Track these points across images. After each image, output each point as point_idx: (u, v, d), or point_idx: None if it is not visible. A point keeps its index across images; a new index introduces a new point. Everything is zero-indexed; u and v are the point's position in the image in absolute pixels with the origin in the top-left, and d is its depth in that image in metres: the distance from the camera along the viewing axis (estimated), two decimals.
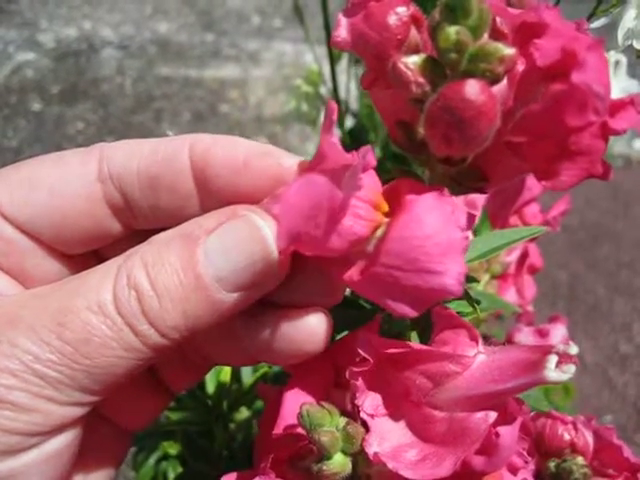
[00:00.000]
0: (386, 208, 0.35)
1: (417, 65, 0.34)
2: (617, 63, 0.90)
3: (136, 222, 0.43)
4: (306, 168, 0.37)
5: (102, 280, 0.36)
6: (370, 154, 0.32)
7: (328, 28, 1.05)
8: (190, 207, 0.41)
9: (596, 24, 0.74)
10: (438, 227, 0.33)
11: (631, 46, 0.73)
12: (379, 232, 0.35)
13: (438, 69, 0.33)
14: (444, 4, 0.32)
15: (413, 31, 0.36)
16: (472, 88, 0.30)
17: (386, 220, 0.36)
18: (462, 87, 0.30)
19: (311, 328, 0.39)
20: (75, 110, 2.84)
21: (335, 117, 0.34)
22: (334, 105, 0.34)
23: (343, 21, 0.38)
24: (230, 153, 0.39)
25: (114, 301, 0.35)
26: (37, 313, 0.35)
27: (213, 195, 0.40)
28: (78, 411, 0.36)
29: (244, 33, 3.45)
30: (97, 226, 0.42)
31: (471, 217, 0.35)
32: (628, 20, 0.70)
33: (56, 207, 0.40)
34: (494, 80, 0.32)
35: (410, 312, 0.35)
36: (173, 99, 2.94)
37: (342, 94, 1.22)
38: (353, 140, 1.15)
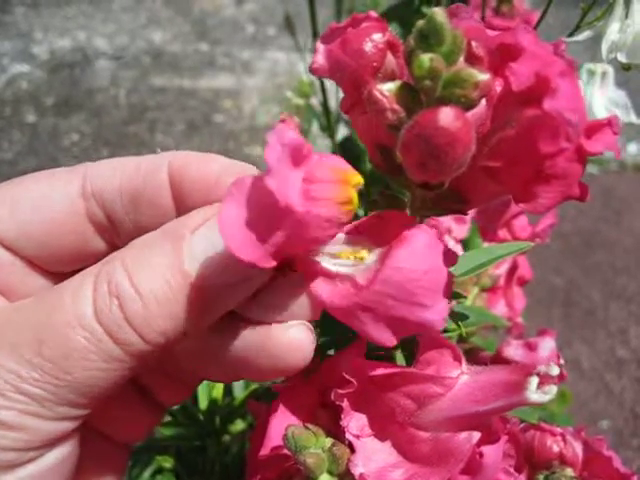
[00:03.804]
0: (359, 180, 0.34)
1: (392, 92, 0.34)
2: (604, 74, 0.90)
3: (119, 239, 0.43)
4: None
5: (80, 290, 0.35)
6: (295, 136, 0.31)
7: (317, 38, 1.06)
8: None
9: (581, 37, 0.75)
10: (434, 264, 0.34)
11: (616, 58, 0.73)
12: (368, 259, 0.35)
13: (413, 96, 0.34)
14: (418, 31, 0.32)
15: (389, 57, 0.36)
16: (446, 116, 0.30)
17: (378, 249, 0.36)
18: (436, 115, 0.30)
19: (292, 341, 0.38)
20: (69, 121, 2.84)
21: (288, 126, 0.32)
22: (285, 118, 0.33)
23: (320, 48, 0.38)
24: (204, 170, 0.40)
25: (94, 311, 0.34)
26: (18, 329, 0.35)
27: (190, 211, 0.39)
28: (68, 425, 0.36)
29: (238, 42, 3.45)
30: (81, 243, 0.42)
31: (454, 257, 0.36)
32: (612, 33, 0.71)
33: (40, 224, 0.41)
34: (469, 106, 0.33)
35: (389, 341, 0.35)
36: (167, 109, 2.94)
37: (333, 104, 1.23)
38: (345, 151, 1.15)
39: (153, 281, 0.35)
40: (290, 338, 0.38)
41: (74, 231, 0.42)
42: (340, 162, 0.34)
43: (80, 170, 0.42)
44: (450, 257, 0.34)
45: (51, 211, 0.41)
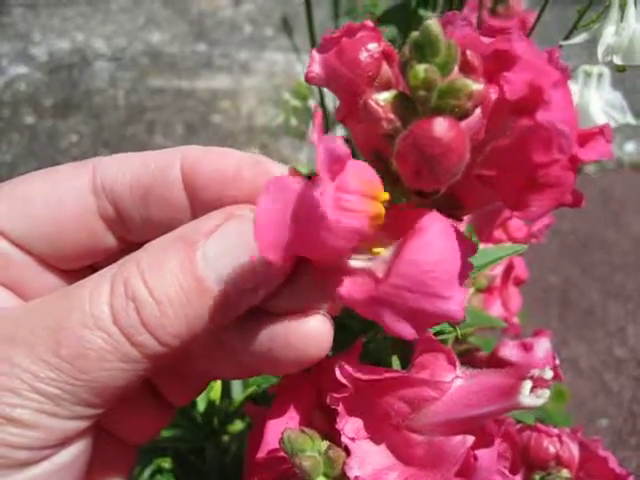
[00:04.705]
0: (386, 196, 0.35)
1: (388, 102, 0.34)
2: (600, 76, 0.90)
3: (130, 235, 0.43)
4: None
5: (96, 291, 0.36)
6: (338, 146, 0.31)
7: (314, 39, 1.06)
8: (182, 218, 0.41)
9: (577, 39, 0.75)
10: (448, 254, 0.34)
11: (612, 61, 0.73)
12: (385, 252, 0.36)
13: (409, 105, 0.34)
14: (413, 42, 0.32)
15: (385, 67, 0.37)
16: (440, 126, 0.31)
17: (395, 243, 0.36)
18: (430, 125, 0.31)
19: (313, 331, 0.38)
20: (68, 123, 2.84)
21: (318, 122, 0.33)
22: (318, 112, 0.34)
23: (316, 57, 0.38)
24: (220, 164, 0.40)
25: (111, 313, 0.35)
26: (33, 330, 0.35)
27: (204, 206, 0.40)
28: (82, 424, 0.37)
29: (236, 43, 3.45)
30: (92, 239, 0.42)
31: (473, 247, 0.35)
32: (608, 36, 0.71)
33: (50, 221, 0.41)
34: (464, 115, 0.33)
35: (410, 333, 0.35)
36: (166, 110, 2.93)
37: (330, 105, 1.23)
38: None
39: (168, 285, 0.36)
40: (308, 329, 0.38)
41: (85, 228, 0.42)
42: (371, 174, 0.35)
43: (89, 165, 0.42)
44: (468, 247, 0.34)
45: (62, 208, 0.41)
